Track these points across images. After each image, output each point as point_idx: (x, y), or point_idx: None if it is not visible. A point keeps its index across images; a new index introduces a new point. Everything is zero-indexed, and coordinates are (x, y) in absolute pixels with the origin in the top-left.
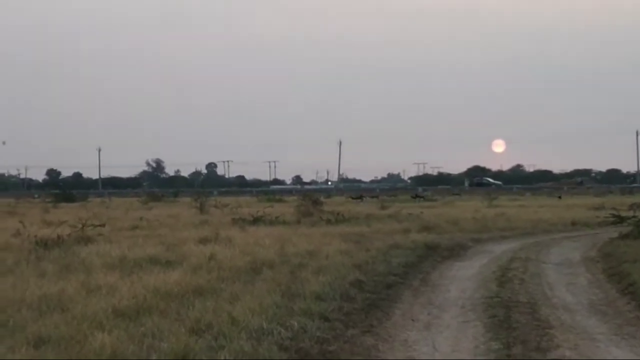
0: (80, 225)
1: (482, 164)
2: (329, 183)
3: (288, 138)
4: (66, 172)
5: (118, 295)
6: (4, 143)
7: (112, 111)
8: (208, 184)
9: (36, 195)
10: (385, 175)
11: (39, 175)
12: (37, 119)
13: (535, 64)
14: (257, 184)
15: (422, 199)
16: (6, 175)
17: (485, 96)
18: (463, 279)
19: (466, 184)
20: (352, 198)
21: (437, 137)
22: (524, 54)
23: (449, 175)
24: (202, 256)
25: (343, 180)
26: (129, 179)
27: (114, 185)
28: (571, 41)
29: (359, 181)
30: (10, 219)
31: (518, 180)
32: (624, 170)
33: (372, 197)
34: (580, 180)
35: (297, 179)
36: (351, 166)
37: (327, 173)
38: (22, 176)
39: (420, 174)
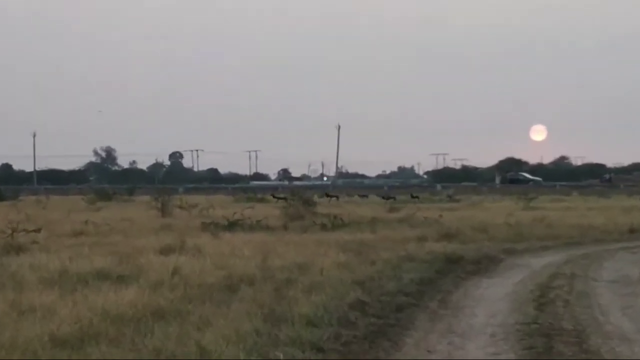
0: (9, 231)
1: (517, 156)
2: (325, 179)
3: (273, 123)
4: None
5: (57, 319)
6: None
7: (51, 88)
8: (172, 179)
9: None
10: (395, 169)
11: None
12: None
13: (585, 35)
14: (233, 178)
15: (417, 198)
16: None
17: (522, 71)
18: (493, 300)
19: (497, 180)
20: (359, 196)
21: (461, 122)
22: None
23: (475, 169)
24: (163, 270)
25: (342, 175)
26: (72, 172)
27: (52, 180)
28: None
29: (363, 176)
30: None
31: (562, 176)
32: None
33: (388, 197)
34: (608, 177)
35: (284, 173)
36: (352, 158)
37: (322, 166)
38: None
39: (439, 167)
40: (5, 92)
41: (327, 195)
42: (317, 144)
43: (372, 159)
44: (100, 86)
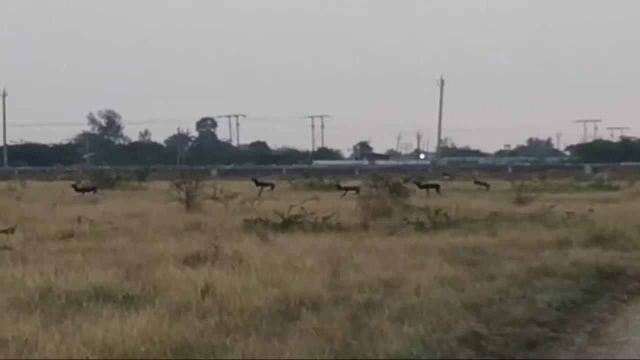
0: None
1: None
2: (422, 156)
3: (345, 77)
4: None
5: (38, 357)
6: None
7: (29, 26)
8: (201, 157)
9: None
10: (524, 143)
11: None
12: None
13: None
14: (290, 156)
15: (485, 186)
16: None
17: None
18: None
19: None
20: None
21: (619, 77)
22: None
23: None
24: (189, 288)
25: (447, 151)
26: (58, 148)
27: (30, 159)
28: None
29: (476, 153)
30: None
31: None
32: None
33: (478, 182)
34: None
35: (363, 149)
36: (461, 126)
37: (418, 139)
38: None
39: (588, 140)
40: None
41: (422, 186)
42: (410, 108)
43: (490, 129)
44: (101, 23)
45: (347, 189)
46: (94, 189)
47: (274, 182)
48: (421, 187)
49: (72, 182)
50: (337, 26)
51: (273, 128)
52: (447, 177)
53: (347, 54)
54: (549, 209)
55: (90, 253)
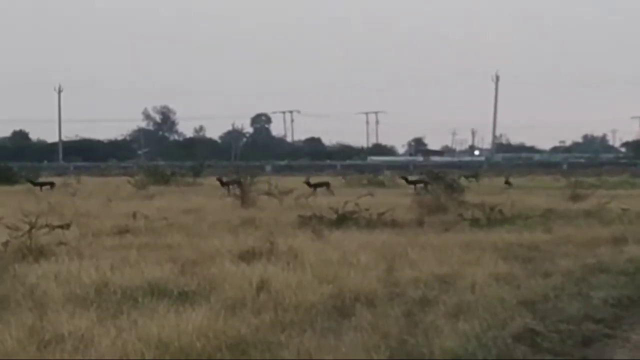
0: (25, 227)
1: None
2: (477, 152)
3: (400, 73)
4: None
5: (94, 353)
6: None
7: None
8: (256, 153)
9: None
10: (579, 140)
11: None
12: None
13: None
14: (344, 152)
15: (510, 185)
16: None
17: None
18: None
19: None
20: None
21: None
22: None
23: None
24: (244, 284)
25: (502, 147)
26: (113, 144)
27: (85, 155)
28: None
29: (531, 149)
30: None
31: None
32: None
33: (507, 182)
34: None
35: (418, 145)
36: (516, 122)
37: (473, 135)
38: None
39: None
40: (15, 28)
41: (311, 185)
42: (465, 104)
43: (545, 125)
44: (157, 19)
45: (316, 185)
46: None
47: (328, 179)
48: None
49: (127, 179)
50: (392, 23)
51: (328, 124)
52: (472, 179)
53: (402, 51)
54: (604, 206)
55: (146, 249)
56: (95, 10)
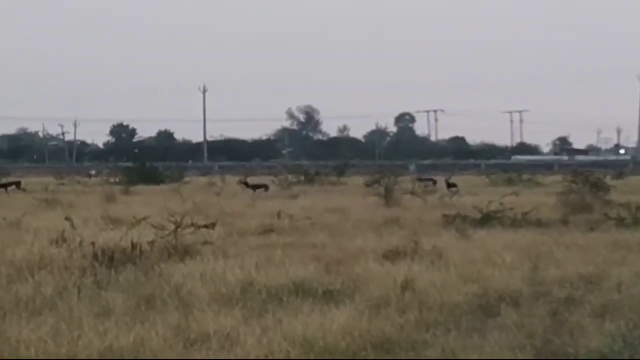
0: (171, 227)
1: None
2: (622, 151)
3: (543, 71)
4: (145, 131)
5: (240, 351)
6: None
7: (227, 28)
8: (400, 153)
9: (93, 172)
10: None
11: (99, 137)
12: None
13: None
14: (489, 151)
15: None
16: (41, 135)
17: None
18: None
19: None
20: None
21: None
22: None
23: None
24: (389, 283)
25: None
26: (257, 143)
27: (230, 154)
28: None
29: None
30: (50, 212)
31: None
32: None
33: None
34: None
35: (563, 144)
36: None
37: (618, 134)
38: (67, 138)
39: None
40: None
41: (249, 186)
42: (610, 102)
43: None
44: (299, 23)
45: (255, 187)
46: (265, 186)
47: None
48: (248, 187)
49: (272, 179)
50: (537, 21)
51: (472, 123)
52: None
53: (546, 48)
54: None
55: (290, 248)
56: (241, 10)
